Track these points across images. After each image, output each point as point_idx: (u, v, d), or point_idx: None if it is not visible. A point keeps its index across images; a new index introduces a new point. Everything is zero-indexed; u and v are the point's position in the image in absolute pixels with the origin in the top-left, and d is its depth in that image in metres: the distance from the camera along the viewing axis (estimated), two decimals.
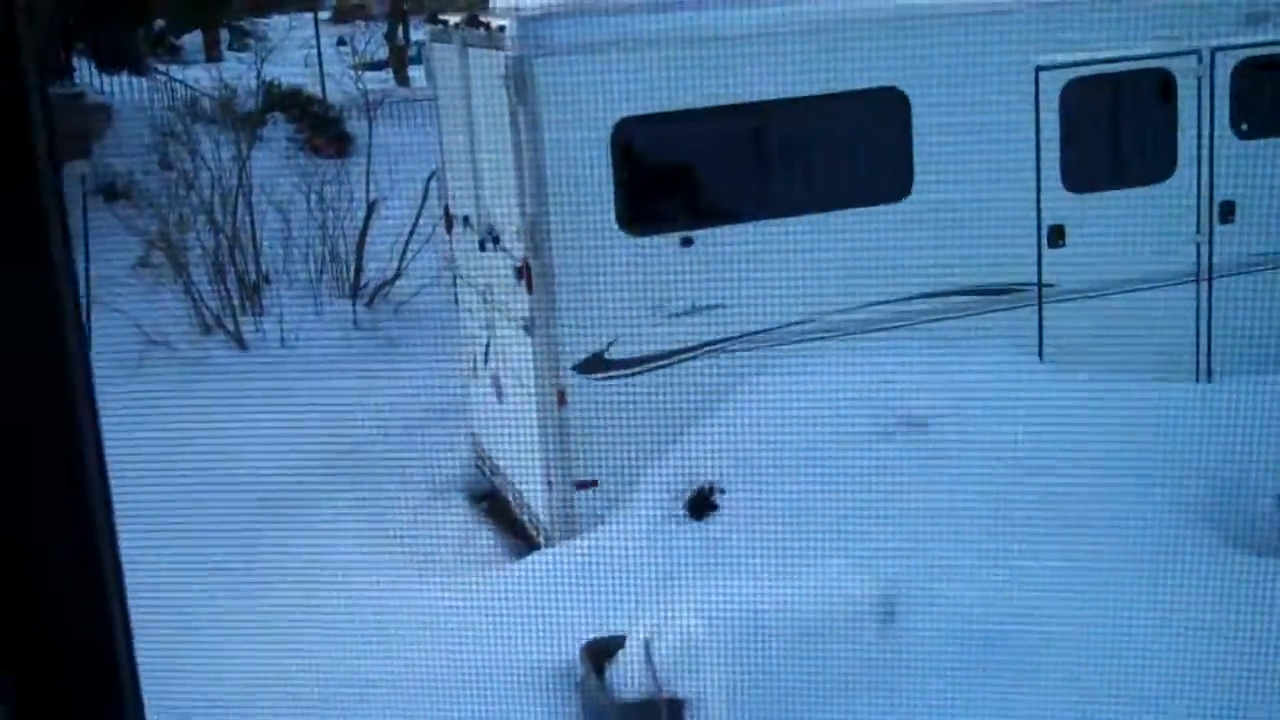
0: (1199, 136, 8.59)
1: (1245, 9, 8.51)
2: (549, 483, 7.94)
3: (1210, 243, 8.71)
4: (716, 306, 7.93)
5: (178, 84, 20.48)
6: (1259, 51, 8.59)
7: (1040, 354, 8.50)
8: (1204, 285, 8.75)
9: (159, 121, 15.43)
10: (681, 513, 7.78)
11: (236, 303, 12.51)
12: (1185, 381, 8.69)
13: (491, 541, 8.77)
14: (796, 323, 8.05)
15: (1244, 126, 8.66)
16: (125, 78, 21.51)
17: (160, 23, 29.18)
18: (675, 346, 7.92)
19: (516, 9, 7.72)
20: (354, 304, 12.72)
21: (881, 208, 8.09)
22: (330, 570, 8.29)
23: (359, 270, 12.94)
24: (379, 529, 8.91)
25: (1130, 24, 8.30)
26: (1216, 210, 8.68)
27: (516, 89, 7.48)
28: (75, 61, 21.24)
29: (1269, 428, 7.78)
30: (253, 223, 12.97)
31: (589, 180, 7.60)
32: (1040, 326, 8.49)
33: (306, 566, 8.42)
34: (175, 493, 9.21)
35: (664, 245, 7.81)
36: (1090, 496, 7.37)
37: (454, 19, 8.64)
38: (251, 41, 30.80)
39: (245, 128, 14.10)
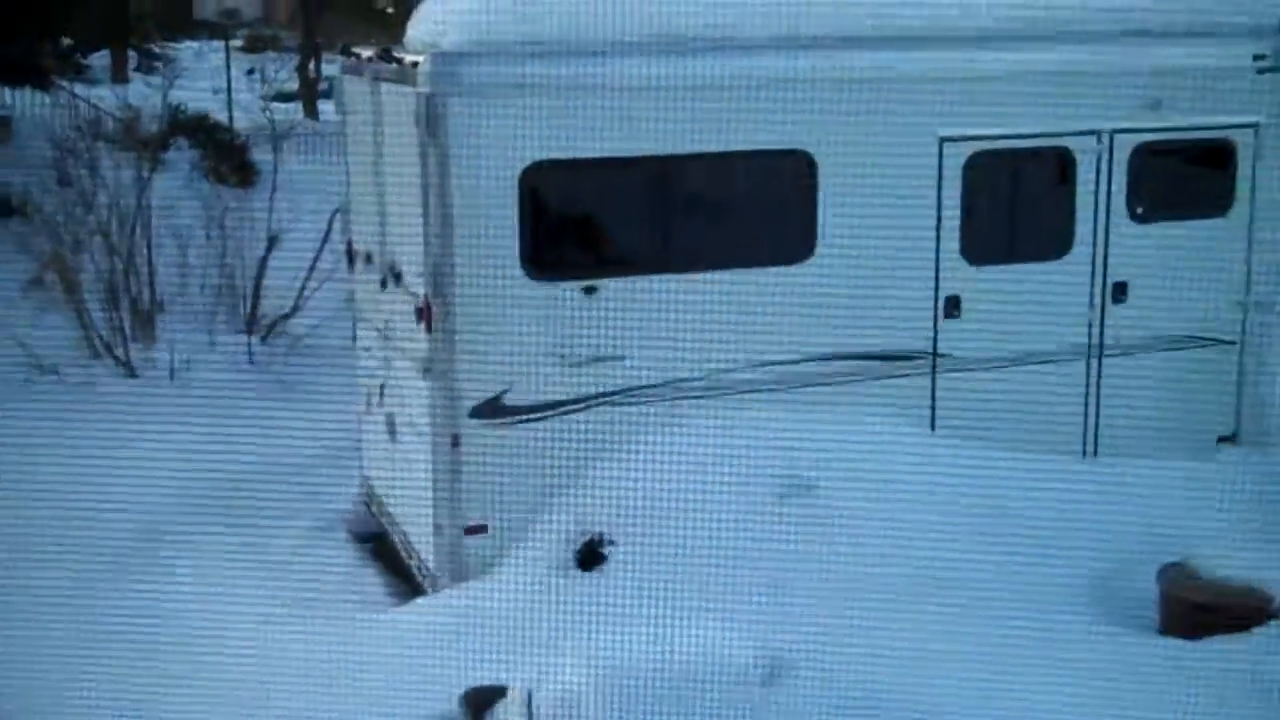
0: (1095, 216, 8.77)
1: (1146, 95, 8.72)
2: (438, 526, 7.84)
3: (1102, 321, 8.88)
4: (616, 357, 7.92)
5: (81, 102, 20.15)
6: (1156, 136, 8.81)
7: (932, 423, 8.58)
8: (1094, 363, 8.92)
9: (59, 138, 15.12)
10: (570, 562, 7.72)
11: (128, 329, 12.25)
12: (1072, 457, 8.82)
13: (376, 584, 8.63)
14: (694, 378, 8.06)
15: (1139, 209, 8.86)
16: (28, 92, 21.12)
17: (67, 40, 28.71)
18: (573, 395, 7.88)
19: (432, 46, 7.68)
20: (249, 337, 12.51)
21: (785, 268, 8.14)
22: (208, 607, 8.11)
23: (256, 303, 12.75)
24: (261, 566, 8.73)
25: (1034, 101, 8.46)
26: (1110, 289, 8.86)
27: (427, 127, 7.44)
28: None
29: (1152, 505, 7.94)
30: (150, 248, 12.74)
31: (495, 222, 7.56)
32: (933, 395, 8.58)
33: (182, 602, 8.23)
34: (50, 519, 8.98)
35: (567, 292, 7.78)
36: (975, 568, 7.43)
37: (367, 52, 8.59)
38: (160, 65, 30.43)
39: (147, 150, 13.87)
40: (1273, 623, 7.07)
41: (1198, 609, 7.17)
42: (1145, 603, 7.47)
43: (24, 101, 20.91)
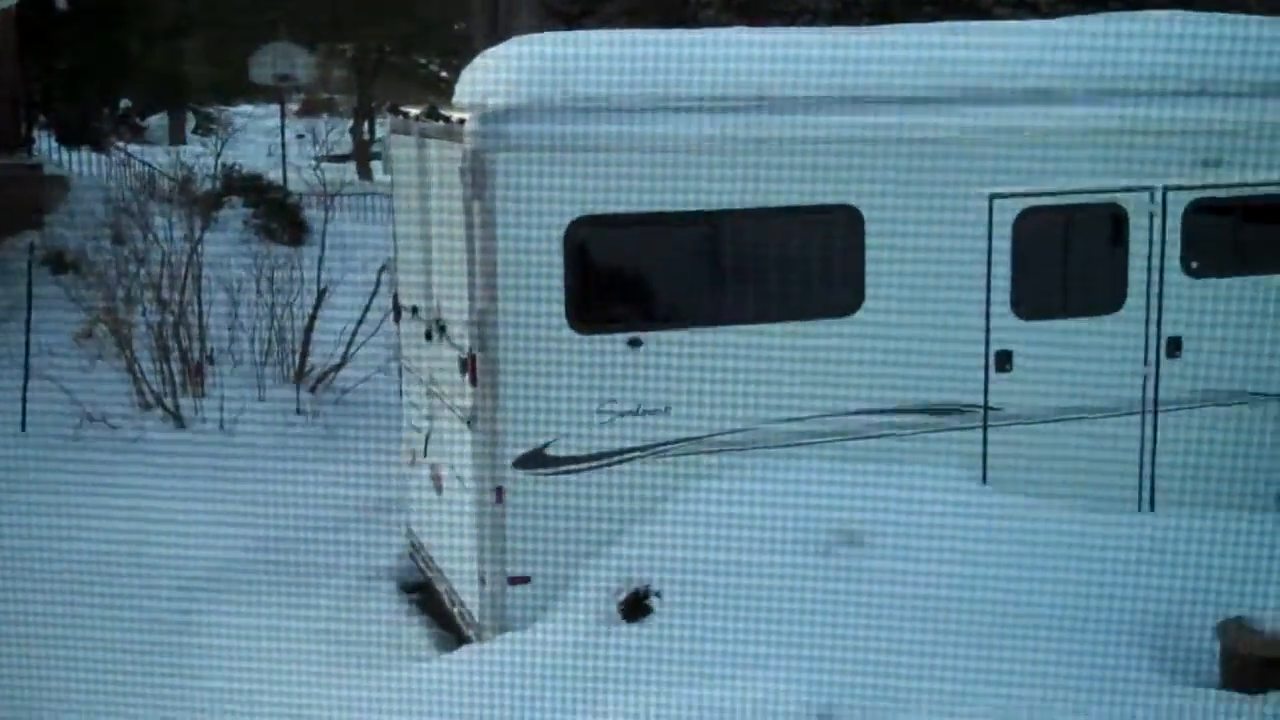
0: (1149, 271, 8.69)
1: (1200, 152, 8.67)
2: (482, 577, 7.80)
3: (1156, 376, 8.78)
4: (661, 410, 7.89)
5: (137, 162, 20.47)
6: (1210, 193, 8.73)
7: (984, 477, 8.48)
8: (1149, 417, 8.80)
9: (115, 197, 15.35)
10: (615, 614, 7.66)
11: (178, 381, 12.36)
12: (1127, 512, 8.69)
13: (422, 634, 8.61)
14: (740, 430, 8.02)
15: (1193, 265, 8.77)
16: (86, 153, 21.50)
17: (126, 102, 29.25)
18: (617, 447, 7.85)
19: (479, 104, 7.74)
20: (297, 390, 12.58)
21: (831, 321, 8.11)
22: (256, 657, 8.11)
23: (305, 356, 12.83)
24: (308, 617, 8.74)
25: (1086, 158, 8.43)
26: (1164, 345, 8.76)
27: (473, 182, 7.48)
28: (36, 133, 21.21)
29: (1209, 560, 7.79)
30: (200, 302, 12.87)
31: (540, 276, 7.58)
32: (984, 449, 8.49)
33: (232, 653, 8.24)
34: (99, 570, 9.03)
35: (611, 345, 7.78)
36: (1028, 623, 7.31)
37: (414, 110, 8.67)
38: (216, 127, 30.94)
39: (201, 208, 14.06)
40: None
41: (1259, 663, 7.04)
42: (1204, 658, 7.33)
43: (81, 162, 21.27)
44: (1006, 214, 8.35)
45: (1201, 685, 7.06)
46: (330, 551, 9.47)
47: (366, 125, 31.50)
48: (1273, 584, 7.66)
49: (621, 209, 7.70)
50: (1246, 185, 8.80)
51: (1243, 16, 9.45)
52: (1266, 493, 9.04)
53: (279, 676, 7.70)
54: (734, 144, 7.81)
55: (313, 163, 19.00)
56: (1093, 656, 7.08)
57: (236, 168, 19.44)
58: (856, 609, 7.30)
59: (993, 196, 8.31)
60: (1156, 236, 8.68)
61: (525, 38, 8.45)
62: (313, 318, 12.90)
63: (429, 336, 8.58)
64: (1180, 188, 8.67)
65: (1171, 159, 8.62)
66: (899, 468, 8.16)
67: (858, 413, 8.20)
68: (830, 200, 8.08)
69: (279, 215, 17.95)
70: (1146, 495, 8.85)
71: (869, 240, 8.12)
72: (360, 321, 12.75)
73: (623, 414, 7.85)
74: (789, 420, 8.10)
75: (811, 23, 12.27)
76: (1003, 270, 8.39)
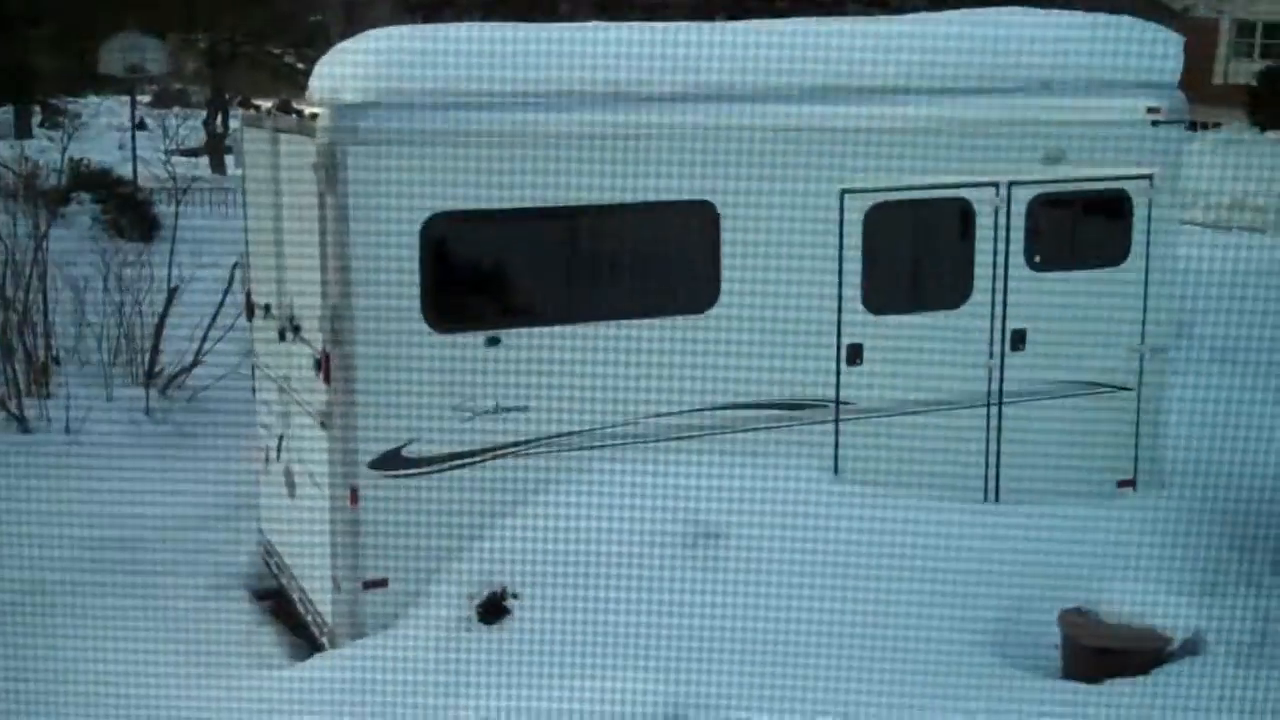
0: (994, 266, 8.88)
1: (1043, 148, 8.88)
2: (336, 581, 7.70)
3: (1001, 369, 8.98)
4: (520, 408, 7.87)
5: None
6: (1052, 188, 8.95)
7: (836, 469, 8.61)
8: (994, 410, 9.01)
9: None
10: (473, 616, 7.62)
11: (22, 383, 11.98)
12: (974, 502, 8.88)
13: (274, 641, 8.48)
14: (600, 428, 8.03)
15: (1036, 259, 8.99)
16: None
17: None
18: (475, 447, 7.81)
19: (332, 98, 7.63)
20: (147, 391, 12.28)
21: (688, 318, 8.16)
22: (103, 666, 7.90)
23: (155, 356, 12.53)
24: (156, 623, 8.54)
25: (933, 154, 8.58)
26: (1008, 338, 8.97)
27: (326, 177, 7.38)
28: None
29: (1053, 550, 8.00)
30: (45, 301, 12.49)
31: (396, 273, 7.50)
32: (837, 442, 8.61)
33: (78, 661, 8.01)
34: None
35: (469, 343, 7.73)
36: (878, 613, 7.44)
37: (267, 104, 8.51)
38: (64, 120, 30.02)
39: (47, 204, 13.63)
40: (1171, 665, 7.15)
41: (1098, 653, 7.24)
42: (1047, 647, 7.52)
43: None
44: (857, 209, 8.47)
45: (1043, 674, 7.24)
46: (180, 556, 9.28)
47: (220, 118, 30.83)
48: (1112, 573, 7.91)
49: (478, 205, 7.66)
50: (1087, 180, 9.03)
51: (1085, 14, 9.70)
52: (1107, 482, 9.32)
53: (126, 685, 7.51)
54: (591, 139, 7.81)
55: (163, 157, 18.58)
56: (939, 647, 7.23)
57: (85, 162, 18.91)
58: (713, 605, 7.36)
59: (844, 192, 8.43)
60: (1001, 231, 8.88)
61: (380, 31, 8.35)
62: (163, 316, 12.60)
63: (282, 335, 8.44)
64: (1024, 183, 8.88)
65: (1015, 155, 8.82)
66: (755, 462, 8.25)
67: (715, 408, 8.27)
68: (686, 196, 8.12)
69: (128, 211, 17.53)
70: (992, 486, 9.05)
71: (724, 236, 8.19)
72: (213, 320, 12.48)
73: (481, 413, 7.81)
74: (647, 417, 8.13)
75: (667, 19, 12.30)
76: (854, 265, 8.52)
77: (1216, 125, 28.83)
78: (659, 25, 8.83)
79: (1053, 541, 8.12)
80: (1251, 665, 7.51)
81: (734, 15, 11.97)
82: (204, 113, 31.67)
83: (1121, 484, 9.39)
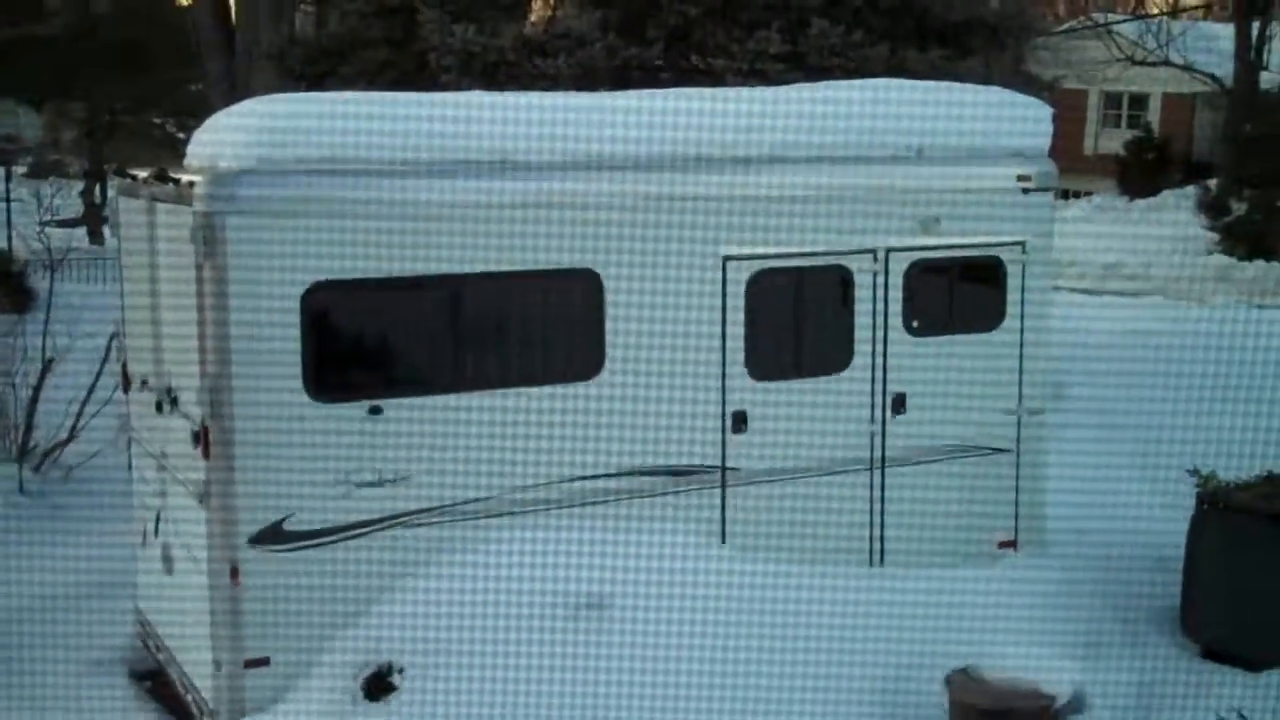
0: (874, 330, 9.02)
1: (919, 215, 9.05)
2: (216, 661, 7.52)
3: (884, 433, 9.09)
4: (403, 479, 7.78)
5: None
6: (928, 254, 9.13)
7: (723, 536, 8.62)
8: (877, 474, 9.10)
9: None
10: (358, 693, 7.48)
11: None
12: (859, 566, 8.95)
13: None
14: (484, 498, 7.97)
15: (915, 324, 9.14)
16: None
17: None
18: (359, 519, 7.70)
19: (210, 166, 7.55)
20: (20, 467, 11.94)
21: (572, 386, 8.15)
22: None
23: (29, 431, 12.20)
24: (31, 707, 8.27)
25: (813, 221, 8.70)
26: (889, 402, 9.09)
27: (204, 246, 7.28)
28: None
29: (937, 612, 8.08)
30: None
31: (276, 343, 7.40)
32: (723, 509, 8.64)
33: None
34: None
35: (351, 414, 7.64)
36: (764, 680, 7.44)
37: (143, 174, 8.40)
38: None
39: None
40: None
41: (984, 714, 7.30)
42: (934, 709, 7.56)
43: None
44: (740, 276, 8.56)
45: None
46: (55, 637, 9.00)
47: (98, 188, 30.35)
48: (997, 634, 8.00)
49: (360, 274, 7.60)
50: (961, 247, 9.23)
51: (958, 85, 9.96)
52: (989, 543, 9.45)
53: None
54: (473, 208, 7.81)
55: (39, 227, 18.21)
56: (827, 709, 7.24)
57: None
58: (599, 674, 7.30)
59: (726, 259, 8.51)
60: (880, 296, 9.02)
61: (260, 98, 8.31)
62: (37, 389, 12.29)
63: (160, 408, 8.28)
64: (901, 249, 9.04)
65: (892, 222, 8.99)
66: (642, 529, 8.23)
67: (600, 476, 8.25)
68: (569, 264, 8.14)
69: (1, 282, 17.12)
70: (877, 549, 9.14)
71: (608, 303, 8.21)
72: (89, 393, 12.20)
73: (363, 484, 7.71)
74: (532, 486, 8.09)
75: (551, 88, 12.39)
76: (737, 331, 8.59)
77: (1089, 194, 29.68)
78: (542, 95, 8.90)
79: (937, 604, 8.20)
80: None
81: (617, 86, 12.10)
82: (81, 183, 31.15)
83: (1003, 544, 9.53)
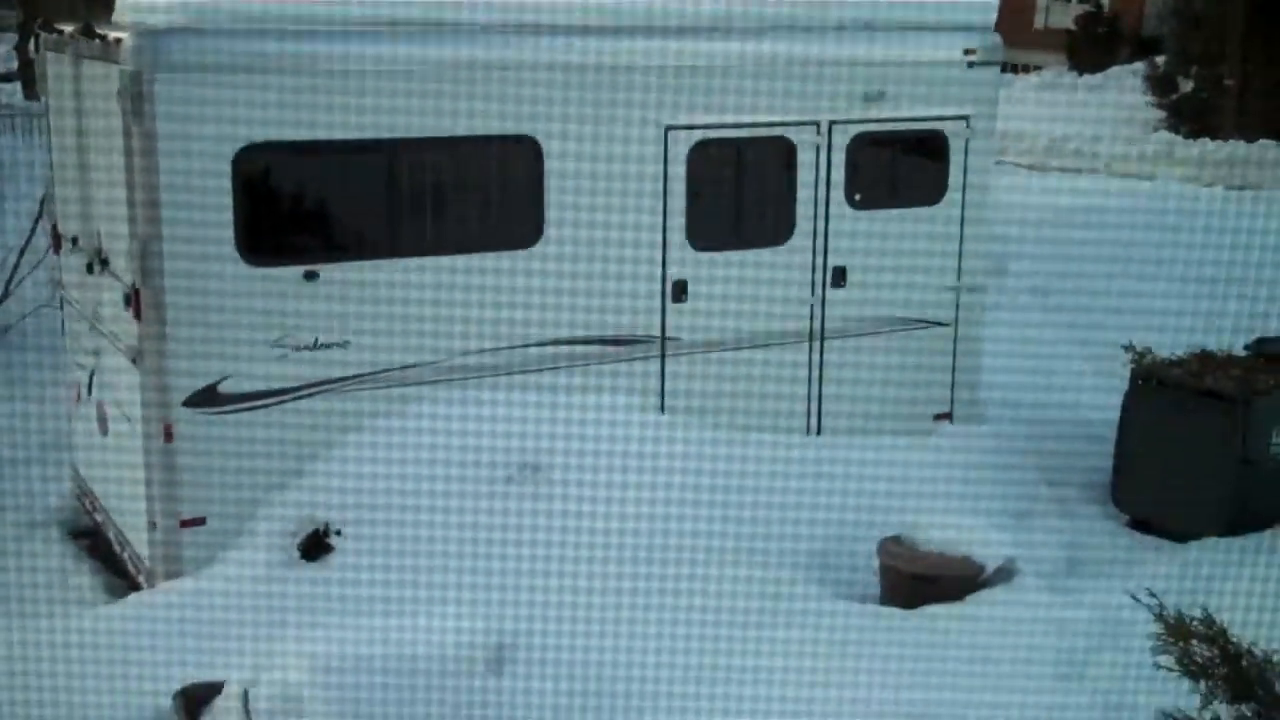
0: (815, 204, 8.99)
1: (863, 87, 8.98)
2: (152, 520, 7.52)
3: (823, 305, 9.11)
4: (339, 344, 7.74)
5: None
6: (872, 127, 9.07)
7: (661, 405, 8.67)
8: (816, 345, 9.15)
9: None
10: (294, 554, 7.52)
11: None
12: (797, 436, 9.03)
13: (89, 580, 8.27)
14: (420, 364, 7.95)
15: (856, 197, 9.12)
16: None
17: None
18: (294, 383, 7.67)
19: (139, 21, 7.34)
20: None
21: (511, 253, 8.10)
22: None
23: None
24: None
25: (756, 91, 8.62)
26: (829, 275, 9.10)
27: (132, 106, 7.11)
28: None
29: (872, 481, 8.19)
30: None
31: (208, 205, 7.29)
32: (662, 378, 8.66)
33: None
34: None
35: (286, 277, 7.57)
36: (700, 547, 7.53)
37: (69, 28, 8.16)
38: None
39: None
40: (984, 591, 7.38)
41: (914, 580, 7.43)
42: (867, 575, 7.70)
43: None
44: (681, 146, 8.48)
45: (863, 601, 7.41)
46: None
47: (34, 42, 29.58)
48: (929, 504, 8.13)
49: (294, 136, 7.47)
50: (905, 120, 9.18)
51: None
52: (925, 415, 9.56)
53: None
54: (410, 71, 7.66)
55: None
56: (762, 574, 7.35)
57: None
58: (535, 540, 7.37)
59: (668, 128, 8.43)
60: (822, 169, 8.98)
61: None
62: None
63: (91, 269, 8.16)
64: (844, 121, 8.98)
65: (836, 93, 8.91)
66: (580, 398, 8.26)
67: (539, 344, 8.24)
68: (509, 130, 8.03)
69: None
70: (815, 420, 9.22)
71: (548, 171, 8.12)
72: (22, 252, 12.00)
73: (299, 348, 7.67)
74: (470, 353, 8.07)
75: None
76: (678, 202, 8.54)
77: (1036, 69, 29.54)
78: None
79: (872, 473, 8.30)
80: (1060, 590, 7.81)
81: None
82: (15, 36, 30.33)
83: (938, 417, 9.64)
